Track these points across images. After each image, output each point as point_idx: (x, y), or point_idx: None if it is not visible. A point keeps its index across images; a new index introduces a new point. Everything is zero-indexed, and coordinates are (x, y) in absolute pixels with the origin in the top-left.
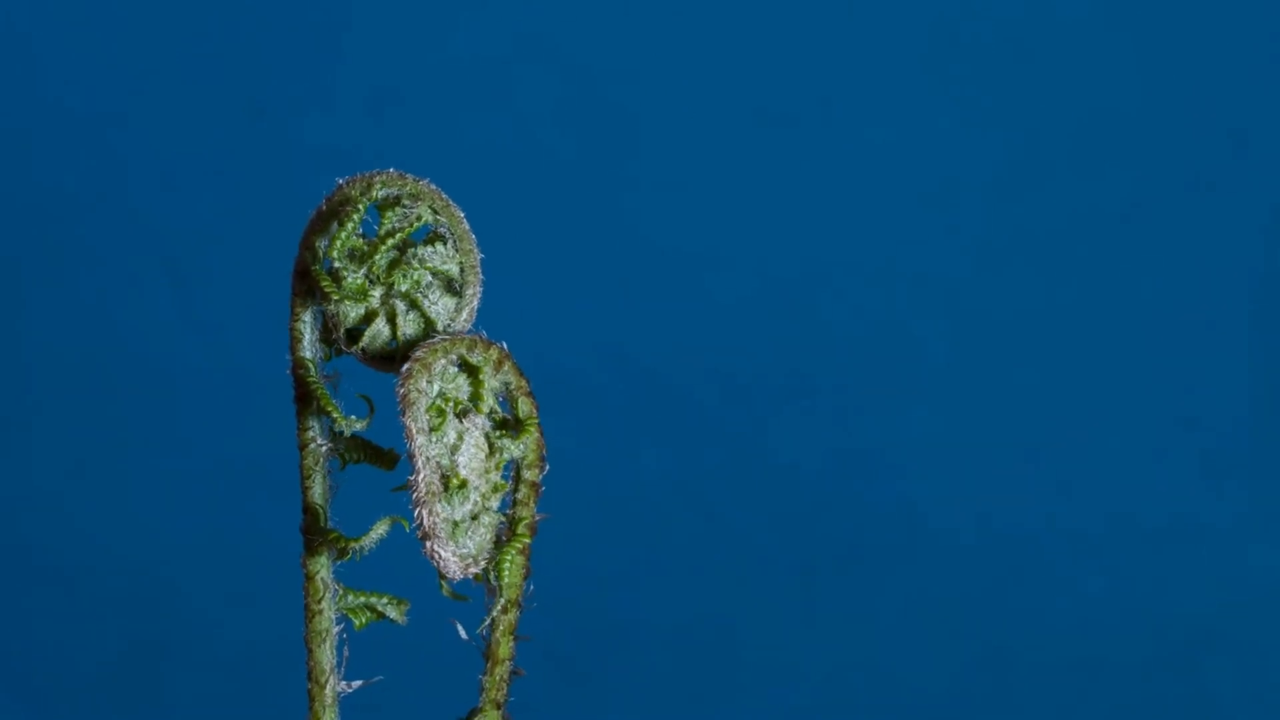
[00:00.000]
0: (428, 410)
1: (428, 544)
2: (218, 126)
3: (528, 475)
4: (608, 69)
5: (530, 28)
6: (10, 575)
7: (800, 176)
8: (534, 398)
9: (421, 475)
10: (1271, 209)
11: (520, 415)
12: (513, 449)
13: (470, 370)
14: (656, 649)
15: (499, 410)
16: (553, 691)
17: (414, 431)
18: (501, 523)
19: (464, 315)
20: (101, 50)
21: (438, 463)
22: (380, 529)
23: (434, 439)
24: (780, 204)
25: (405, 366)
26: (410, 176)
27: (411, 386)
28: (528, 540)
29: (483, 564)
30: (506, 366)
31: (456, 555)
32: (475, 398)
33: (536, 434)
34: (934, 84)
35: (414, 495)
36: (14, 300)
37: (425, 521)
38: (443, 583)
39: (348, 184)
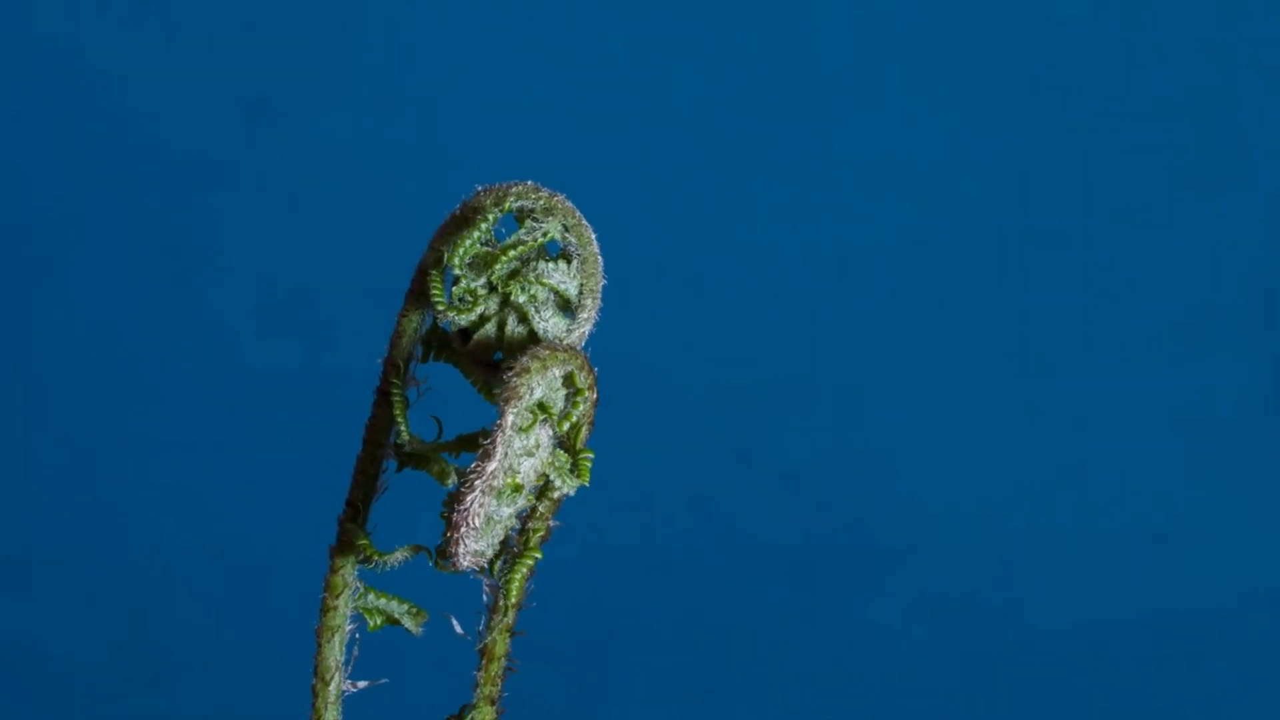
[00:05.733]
0: (526, 409)
1: (460, 530)
2: (218, 126)
3: (556, 494)
4: (609, 70)
5: (529, 28)
6: (10, 575)
7: (801, 177)
8: (594, 428)
9: (493, 466)
10: (1272, 209)
11: (578, 445)
12: (568, 485)
13: (573, 388)
14: (656, 648)
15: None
16: (553, 690)
17: (508, 424)
18: (512, 528)
19: (573, 338)
20: (101, 50)
21: (510, 463)
22: (402, 553)
23: (519, 438)
24: (780, 204)
25: (524, 360)
26: (546, 190)
27: (523, 382)
28: (539, 556)
29: (484, 563)
30: (593, 395)
31: (473, 550)
32: (566, 416)
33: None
34: (934, 84)
35: (474, 479)
36: (15, 300)
37: (472, 508)
38: (437, 560)
39: (484, 192)
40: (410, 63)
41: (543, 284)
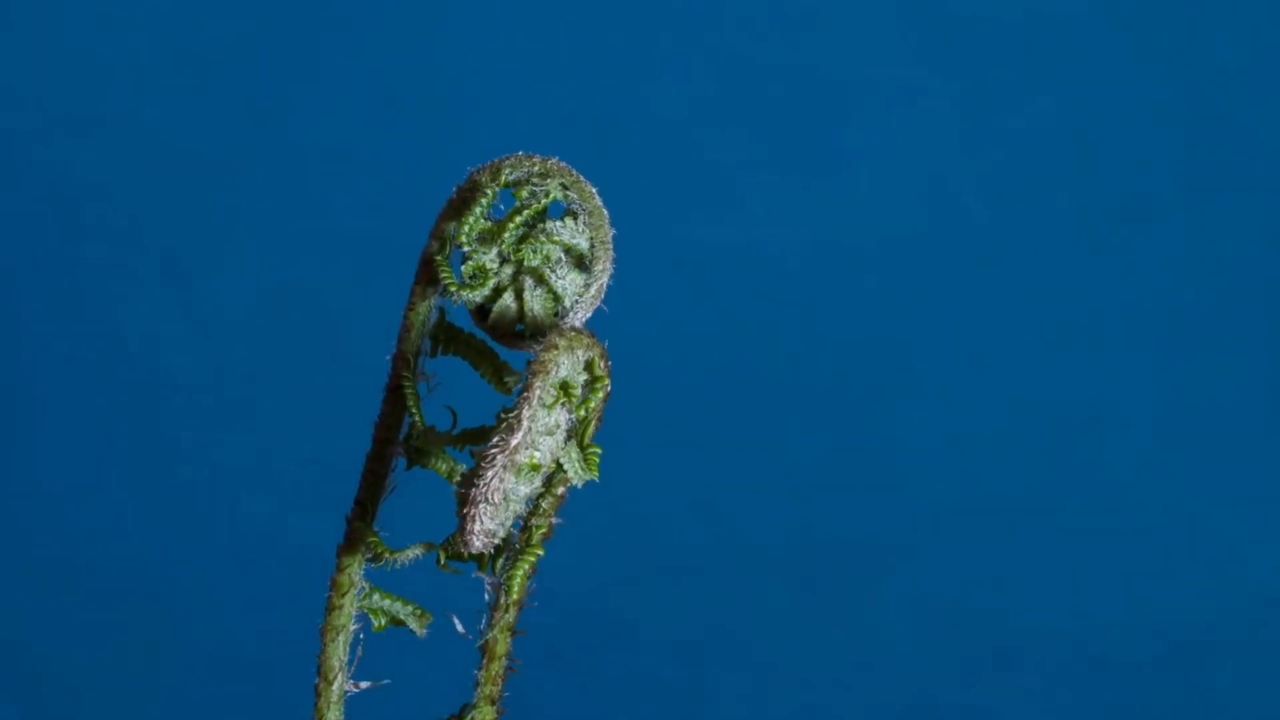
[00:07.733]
0: (551, 385)
1: (478, 507)
2: (218, 126)
3: (560, 489)
4: (608, 70)
5: (532, 28)
6: (10, 575)
7: (801, 176)
8: (601, 424)
9: (516, 439)
10: (1272, 209)
11: (585, 440)
12: (579, 477)
13: (592, 375)
14: (657, 647)
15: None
16: (553, 690)
17: (534, 398)
18: (518, 518)
19: (592, 291)
20: (101, 49)
21: (531, 439)
22: (415, 550)
23: (543, 413)
24: (781, 204)
25: (551, 337)
26: (538, 156)
27: (550, 358)
28: (541, 553)
29: (493, 545)
30: (608, 385)
31: (485, 529)
32: (585, 402)
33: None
34: (935, 83)
35: (493, 452)
36: (14, 300)
37: (491, 483)
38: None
39: (477, 171)
40: (411, 62)
41: (554, 242)
